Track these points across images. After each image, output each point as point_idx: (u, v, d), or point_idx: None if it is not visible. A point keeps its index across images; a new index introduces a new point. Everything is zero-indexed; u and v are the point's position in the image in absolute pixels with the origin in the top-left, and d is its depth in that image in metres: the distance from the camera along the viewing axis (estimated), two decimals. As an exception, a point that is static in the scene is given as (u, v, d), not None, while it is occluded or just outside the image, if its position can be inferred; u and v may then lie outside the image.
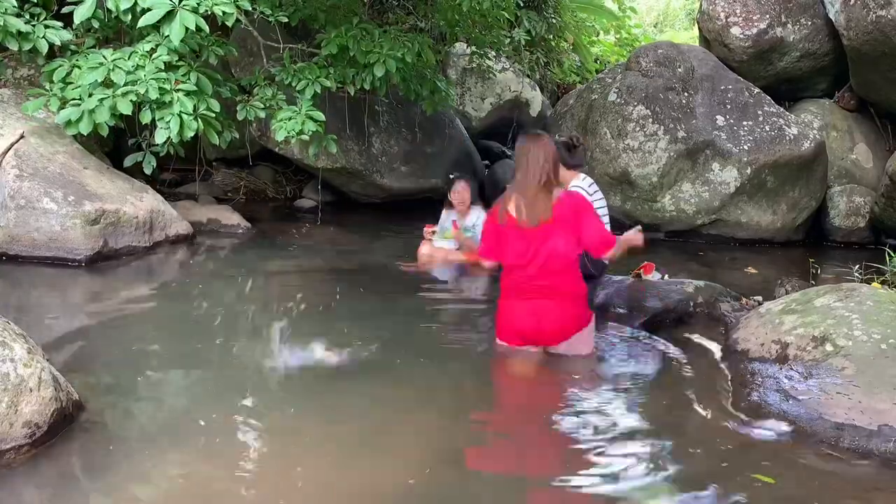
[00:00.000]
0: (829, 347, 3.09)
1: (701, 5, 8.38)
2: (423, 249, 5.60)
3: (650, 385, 3.34)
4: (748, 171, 6.83)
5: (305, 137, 5.39)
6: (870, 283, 3.82)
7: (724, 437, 2.82)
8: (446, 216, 5.81)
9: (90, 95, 4.72)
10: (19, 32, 4.82)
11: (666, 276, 4.66)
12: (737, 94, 7.19)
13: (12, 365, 2.36)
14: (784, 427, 2.85)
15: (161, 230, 5.45)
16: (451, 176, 5.80)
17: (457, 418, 2.92)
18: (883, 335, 3.03)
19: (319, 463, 2.47)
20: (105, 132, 4.83)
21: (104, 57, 4.83)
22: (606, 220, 4.67)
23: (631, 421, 2.94)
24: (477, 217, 5.75)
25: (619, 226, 7.10)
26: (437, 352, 3.70)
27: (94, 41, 5.24)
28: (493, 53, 8.52)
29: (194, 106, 4.84)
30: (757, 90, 7.35)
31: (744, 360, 3.44)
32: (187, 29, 4.63)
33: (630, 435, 2.79)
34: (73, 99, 4.77)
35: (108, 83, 4.78)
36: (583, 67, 11.68)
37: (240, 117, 5.64)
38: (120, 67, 4.76)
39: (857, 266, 4.48)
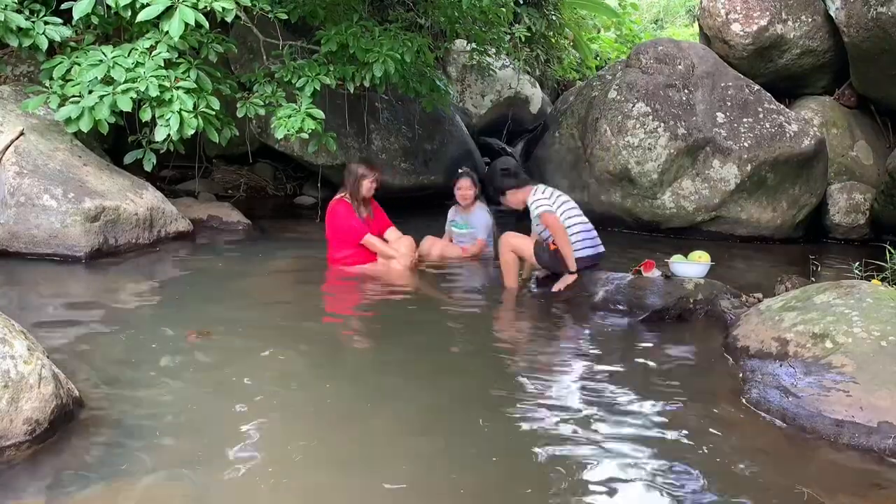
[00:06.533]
0: (828, 344, 3.09)
1: (701, 2, 8.38)
2: (434, 248, 5.64)
3: (650, 383, 3.35)
4: (748, 168, 6.83)
5: (305, 135, 5.40)
6: (870, 280, 3.83)
7: (722, 435, 2.82)
8: (454, 211, 5.90)
9: (90, 92, 4.72)
10: (19, 29, 4.81)
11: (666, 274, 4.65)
12: (737, 91, 7.18)
13: (13, 362, 2.36)
14: (783, 424, 2.86)
15: (161, 227, 5.46)
16: (459, 171, 5.87)
17: (470, 408, 2.93)
18: (882, 332, 3.03)
19: (323, 463, 2.47)
20: (105, 129, 4.82)
21: (104, 54, 4.83)
22: (579, 219, 4.66)
23: (629, 418, 2.95)
24: (480, 214, 5.76)
25: (619, 223, 7.20)
26: (438, 345, 3.71)
27: (93, 38, 5.23)
28: (493, 50, 8.51)
29: (194, 103, 4.84)
30: (757, 87, 7.35)
31: (743, 356, 3.45)
32: (187, 25, 4.63)
33: (628, 432, 2.80)
34: (73, 96, 4.77)
35: (107, 80, 4.78)
36: (583, 64, 11.66)
37: (239, 114, 5.64)
38: (120, 64, 4.76)
39: (857, 263, 4.47)
